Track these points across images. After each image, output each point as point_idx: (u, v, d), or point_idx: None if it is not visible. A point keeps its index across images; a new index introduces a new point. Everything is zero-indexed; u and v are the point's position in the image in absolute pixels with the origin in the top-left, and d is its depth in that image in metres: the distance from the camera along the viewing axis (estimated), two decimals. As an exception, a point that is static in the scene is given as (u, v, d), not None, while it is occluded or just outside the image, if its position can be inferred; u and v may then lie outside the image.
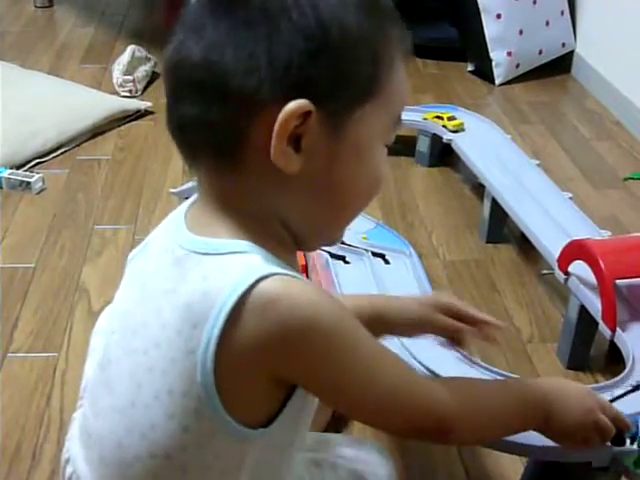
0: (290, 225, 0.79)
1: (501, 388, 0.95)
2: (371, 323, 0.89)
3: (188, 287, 0.74)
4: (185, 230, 0.79)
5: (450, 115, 2.15)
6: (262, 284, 0.71)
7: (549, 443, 1.10)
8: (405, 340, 1.27)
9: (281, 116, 0.71)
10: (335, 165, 0.76)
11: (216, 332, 0.71)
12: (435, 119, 2.15)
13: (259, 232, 0.76)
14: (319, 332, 0.72)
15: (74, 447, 0.88)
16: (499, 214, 1.83)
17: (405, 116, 2.34)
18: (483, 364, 1.26)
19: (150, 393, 0.76)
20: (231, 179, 0.76)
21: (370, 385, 0.77)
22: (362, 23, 0.75)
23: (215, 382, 0.73)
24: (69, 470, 0.88)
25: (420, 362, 1.24)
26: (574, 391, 0.97)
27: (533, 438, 1.11)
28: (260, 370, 0.74)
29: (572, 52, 2.88)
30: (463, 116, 2.19)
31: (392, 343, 1.27)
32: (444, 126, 2.12)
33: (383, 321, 1.09)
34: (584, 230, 1.62)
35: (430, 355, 1.25)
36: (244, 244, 0.75)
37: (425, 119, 2.17)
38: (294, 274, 0.74)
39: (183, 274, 0.75)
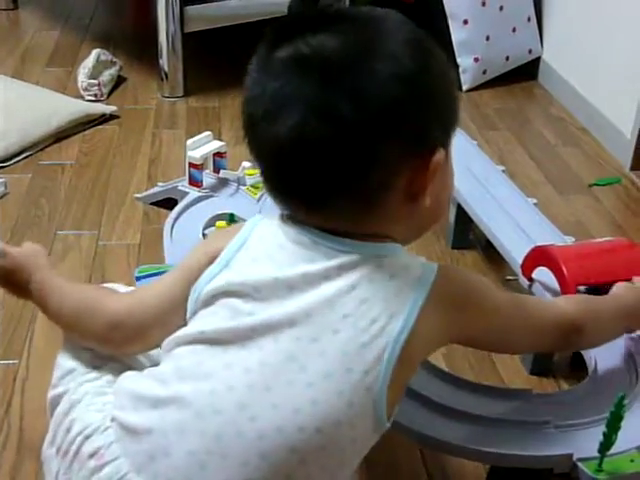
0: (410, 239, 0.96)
1: (616, 309, 1.16)
2: None
3: (375, 285, 0.86)
4: (334, 237, 0.87)
5: None
6: (438, 273, 0.89)
7: (511, 450, 1.10)
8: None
9: (433, 165, 0.85)
10: (444, 190, 0.93)
11: (412, 321, 0.85)
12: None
13: (386, 235, 0.90)
14: (477, 293, 0.94)
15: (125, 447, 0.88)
16: (464, 220, 1.83)
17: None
18: (447, 372, 1.26)
19: (322, 372, 0.83)
20: (363, 217, 0.87)
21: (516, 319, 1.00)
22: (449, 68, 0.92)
23: (394, 365, 0.84)
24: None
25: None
26: None
27: (493, 444, 1.11)
28: (441, 337, 0.92)
29: (539, 58, 2.90)
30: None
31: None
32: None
33: None
34: (548, 236, 1.63)
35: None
36: (399, 246, 0.90)
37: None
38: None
39: (359, 275, 0.86)
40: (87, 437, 0.89)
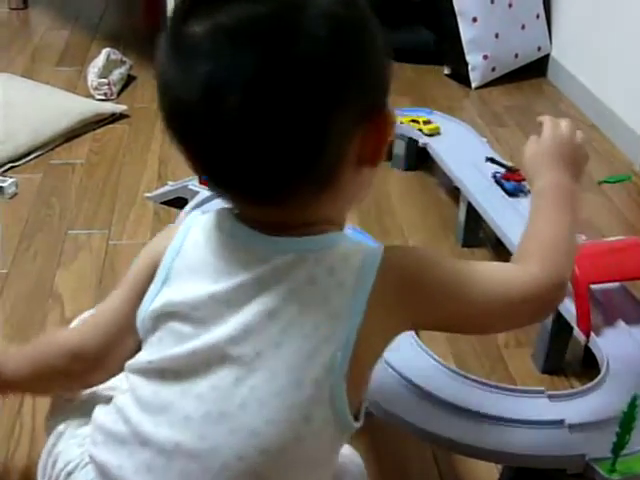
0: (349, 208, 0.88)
1: (550, 220, 0.99)
2: None
3: (315, 286, 0.79)
4: (268, 237, 0.81)
5: (426, 119, 2.15)
6: (383, 257, 0.81)
7: (524, 450, 1.10)
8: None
9: (385, 126, 0.80)
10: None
11: (359, 318, 0.78)
12: (411, 123, 2.15)
13: (334, 222, 0.84)
14: (431, 270, 0.84)
15: (107, 454, 0.85)
16: (475, 218, 1.83)
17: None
18: (460, 371, 1.25)
19: (272, 390, 0.78)
20: (318, 196, 0.80)
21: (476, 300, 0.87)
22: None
23: (349, 367, 0.79)
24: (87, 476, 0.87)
25: (397, 370, 1.23)
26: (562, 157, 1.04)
27: (506, 444, 1.11)
28: (396, 326, 0.84)
29: (548, 56, 2.89)
30: (439, 119, 2.19)
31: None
32: (420, 130, 2.11)
33: None
34: (559, 234, 1.62)
35: (409, 364, 1.25)
36: (338, 233, 0.83)
37: (401, 122, 2.16)
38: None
39: (298, 276, 0.79)
40: (69, 473, 0.89)
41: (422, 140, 2.09)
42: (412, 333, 1.34)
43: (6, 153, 2.19)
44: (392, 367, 1.23)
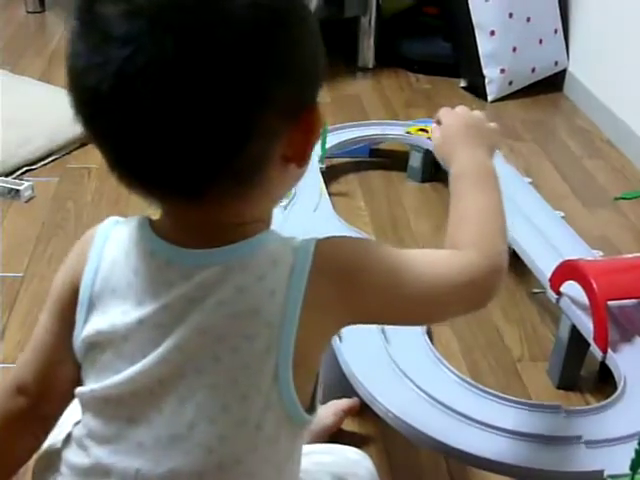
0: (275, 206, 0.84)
1: (475, 201, 0.98)
2: None
3: (245, 295, 0.74)
4: (189, 250, 0.76)
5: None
6: (315, 255, 0.76)
7: (540, 466, 1.10)
8: (399, 361, 1.27)
9: (313, 124, 0.76)
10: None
11: (295, 323, 0.74)
12: (419, 132, 2.15)
13: (257, 224, 0.79)
14: (367, 260, 0.80)
15: None
16: (491, 232, 1.82)
17: (393, 130, 2.36)
18: (476, 384, 1.25)
19: (218, 406, 0.76)
20: (243, 197, 0.76)
21: (418, 290, 0.83)
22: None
23: (293, 370, 0.75)
24: None
25: (414, 383, 1.23)
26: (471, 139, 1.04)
27: (523, 459, 1.11)
28: (335, 323, 0.80)
29: (565, 70, 2.89)
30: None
31: (385, 364, 1.27)
32: (429, 138, 2.11)
33: None
34: (576, 250, 1.62)
35: (425, 376, 1.25)
36: (265, 234, 0.78)
37: (409, 132, 2.17)
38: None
39: (226, 287, 0.75)
40: None
41: (439, 152, 2.08)
42: (429, 345, 1.34)
43: (23, 156, 2.20)
44: (409, 378, 1.23)
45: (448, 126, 1.08)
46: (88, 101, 0.70)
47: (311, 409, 0.81)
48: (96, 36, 0.68)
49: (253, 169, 0.73)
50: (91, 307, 0.80)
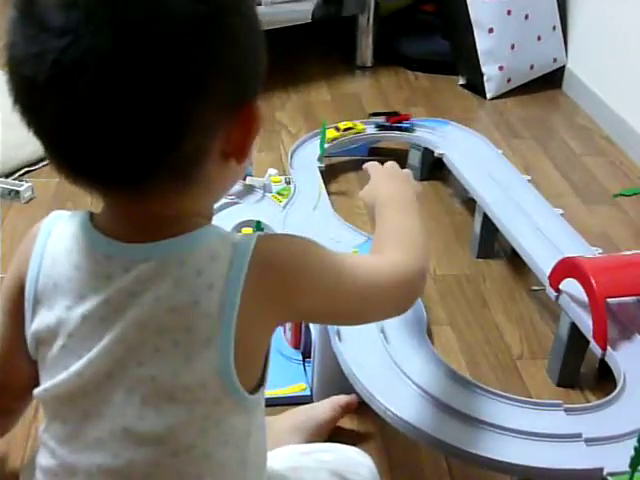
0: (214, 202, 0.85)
1: (397, 220, 1.03)
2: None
3: (183, 289, 0.75)
4: (128, 244, 0.77)
5: (350, 125, 2.21)
6: (254, 250, 0.77)
7: (540, 463, 1.10)
8: (398, 359, 1.27)
9: (253, 120, 0.77)
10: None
11: (233, 317, 0.75)
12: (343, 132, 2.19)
13: (198, 220, 0.79)
14: (304, 259, 0.81)
15: None
16: (490, 229, 1.83)
17: (393, 129, 2.32)
18: (475, 382, 1.25)
19: (163, 397, 0.76)
20: (183, 192, 0.76)
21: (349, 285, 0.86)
22: None
23: (235, 362, 0.76)
24: None
25: (412, 380, 1.23)
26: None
27: (523, 457, 1.11)
28: (274, 316, 0.81)
29: (563, 67, 2.89)
30: (454, 130, 2.20)
31: (384, 362, 1.27)
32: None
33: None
34: (575, 247, 1.62)
35: (425, 375, 1.25)
36: (205, 229, 0.78)
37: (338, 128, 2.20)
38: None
39: (164, 282, 0.75)
40: None
41: (438, 151, 2.09)
42: (428, 343, 1.34)
43: (22, 158, 2.19)
44: (408, 377, 1.24)
45: (375, 177, 1.16)
46: (25, 91, 0.71)
47: (257, 389, 0.81)
48: (34, 26, 0.68)
49: (190, 164, 0.73)
50: (37, 303, 0.80)
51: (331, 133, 2.14)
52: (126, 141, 0.69)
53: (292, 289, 0.80)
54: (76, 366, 0.78)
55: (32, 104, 0.71)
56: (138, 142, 0.69)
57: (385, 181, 1.12)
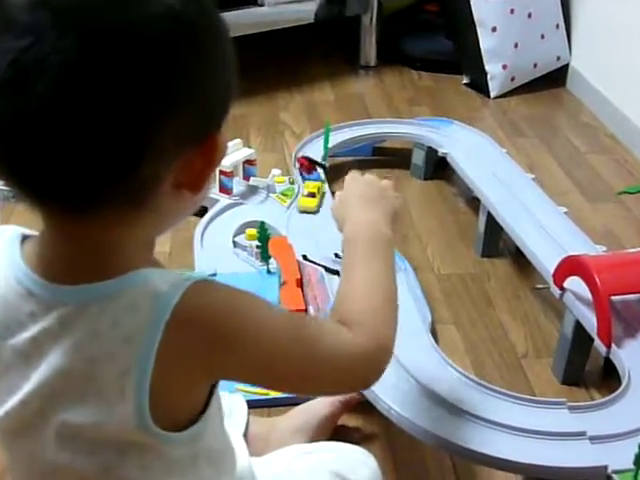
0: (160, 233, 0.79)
1: (364, 272, 0.91)
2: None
3: (100, 340, 0.70)
4: (50, 284, 0.71)
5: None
6: (178, 305, 0.70)
7: (544, 462, 1.10)
8: (402, 358, 1.27)
9: (214, 152, 0.72)
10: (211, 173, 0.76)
11: (148, 374, 0.69)
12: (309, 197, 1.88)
13: (137, 254, 0.74)
14: (239, 322, 0.73)
15: None
16: (494, 228, 1.83)
17: (396, 128, 2.34)
18: (480, 381, 1.25)
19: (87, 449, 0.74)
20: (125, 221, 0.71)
21: (297, 358, 0.78)
22: None
23: (152, 415, 0.71)
24: None
25: (416, 379, 1.23)
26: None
27: (528, 455, 1.11)
28: (196, 379, 0.74)
29: (567, 65, 2.88)
30: (458, 129, 2.19)
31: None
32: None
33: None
34: (579, 245, 1.62)
35: (429, 373, 1.25)
36: (134, 274, 0.71)
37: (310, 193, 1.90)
38: (189, 276, 0.74)
39: (82, 329, 0.70)
40: None
41: (442, 150, 2.09)
42: (432, 342, 1.34)
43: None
44: (412, 376, 1.24)
45: (346, 191, 1.08)
46: None
47: (196, 420, 0.76)
48: None
49: (143, 191, 0.69)
50: None
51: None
52: (76, 157, 0.64)
53: (214, 351, 0.72)
54: (10, 403, 0.75)
55: None
56: (90, 160, 0.65)
57: (358, 202, 1.03)
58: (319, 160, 1.99)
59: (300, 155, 2.01)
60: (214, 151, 0.72)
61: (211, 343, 0.72)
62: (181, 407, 0.75)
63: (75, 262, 0.72)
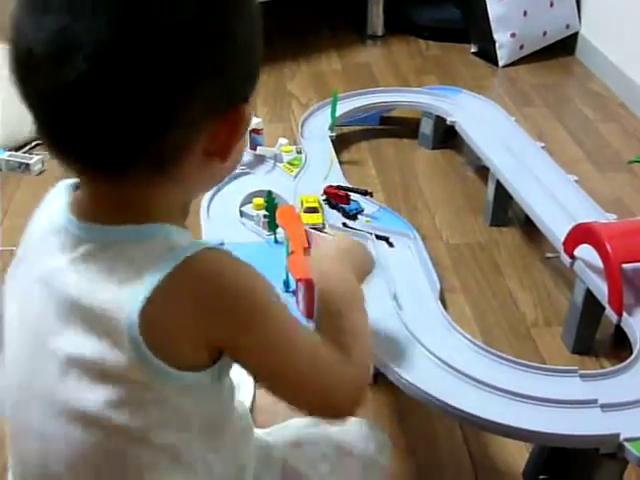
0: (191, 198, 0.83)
1: (349, 320, 0.89)
2: None
3: (115, 275, 0.74)
4: (82, 223, 0.76)
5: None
6: (191, 257, 0.73)
7: (556, 430, 1.09)
8: (412, 327, 1.26)
9: (239, 123, 0.76)
10: (241, 144, 0.80)
11: (137, 309, 0.71)
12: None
13: (167, 214, 0.77)
14: (250, 306, 0.75)
15: None
16: (504, 197, 1.81)
17: (407, 98, 2.32)
18: (490, 349, 1.24)
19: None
20: (158, 182, 0.75)
21: (291, 355, 0.79)
22: None
23: (152, 343, 0.72)
24: None
25: (426, 347, 1.22)
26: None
27: (539, 423, 1.10)
28: (190, 334, 0.74)
29: (576, 34, 2.86)
30: (466, 98, 2.17)
31: (398, 330, 1.26)
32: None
33: None
34: (590, 213, 1.61)
35: (439, 342, 1.24)
36: (160, 226, 0.76)
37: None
38: (214, 245, 0.77)
39: (98, 265, 0.74)
40: None
41: (450, 118, 2.07)
42: (442, 310, 1.33)
43: (33, 130, 2.18)
44: (423, 345, 1.23)
45: (322, 248, 1.07)
46: (23, 64, 0.71)
47: (201, 369, 0.76)
48: (38, 4, 0.70)
49: (170, 158, 0.73)
50: (22, 254, 0.83)
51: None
52: (111, 124, 0.69)
53: (212, 317, 0.74)
54: (29, 317, 0.79)
55: (27, 76, 0.71)
56: (122, 126, 0.70)
57: (331, 250, 1.02)
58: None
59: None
60: (240, 122, 0.76)
61: (211, 309, 0.74)
62: (179, 355, 0.75)
63: (106, 210, 0.76)
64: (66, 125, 0.71)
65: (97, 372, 0.74)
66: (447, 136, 2.18)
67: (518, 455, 1.27)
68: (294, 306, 1.53)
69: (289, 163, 1.84)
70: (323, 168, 1.84)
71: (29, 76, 0.71)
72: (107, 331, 0.73)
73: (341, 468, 0.99)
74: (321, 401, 0.83)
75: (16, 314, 0.81)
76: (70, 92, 0.68)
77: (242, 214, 1.68)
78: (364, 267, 1.03)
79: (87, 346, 0.75)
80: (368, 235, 1.53)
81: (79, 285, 0.75)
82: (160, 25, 0.68)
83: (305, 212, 1.64)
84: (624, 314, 1.34)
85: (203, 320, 0.74)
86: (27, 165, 2.02)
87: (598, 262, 1.39)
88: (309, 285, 1.22)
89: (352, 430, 1.05)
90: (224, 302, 0.74)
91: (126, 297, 0.73)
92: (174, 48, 0.69)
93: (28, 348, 0.80)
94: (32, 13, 0.70)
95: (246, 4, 0.75)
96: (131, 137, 0.70)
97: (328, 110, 2.07)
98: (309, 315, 1.50)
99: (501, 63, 2.76)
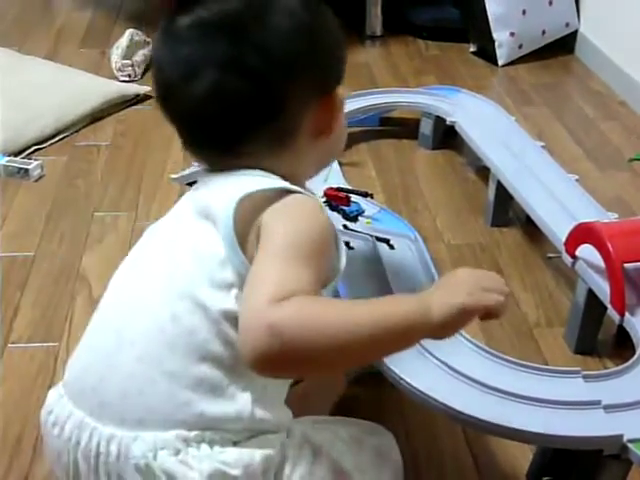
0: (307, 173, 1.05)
1: (377, 316, 0.83)
2: None
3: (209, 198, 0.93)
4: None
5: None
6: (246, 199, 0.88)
7: (559, 431, 1.08)
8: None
9: (334, 104, 0.98)
10: (341, 127, 1.03)
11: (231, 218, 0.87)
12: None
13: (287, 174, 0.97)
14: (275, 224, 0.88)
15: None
16: (504, 197, 1.81)
17: (407, 98, 2.31)
18: (492, 351, 1.24)
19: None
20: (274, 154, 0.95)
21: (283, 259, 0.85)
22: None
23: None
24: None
25: (426, 349, 1.22)
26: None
27: (542, 425, 1.09)
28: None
29: (576, 32, 2.85)
30: (466, 98, 2.17)
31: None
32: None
33: None
34: (591, 213, 1.60)
35: (440, 344, 1.22)
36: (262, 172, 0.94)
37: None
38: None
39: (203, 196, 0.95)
40: (49, 412, 0.93)
41: (450, 119, 2.06)
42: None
43: (31, 135, 2.18)
44: (423, 346, 1.22)
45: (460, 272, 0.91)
46: (163, 86, 0.95)
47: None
48: (171, 39, 0.94)
49: (285, 134, 0.94)
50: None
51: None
52: (237, 119, 0.92)
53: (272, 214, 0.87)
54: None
55: (168, 95, 0.95)
56: (249, 112, 0.91)
57: (454, 278, 0.92)
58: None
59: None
60: (333, 103, 0.98)
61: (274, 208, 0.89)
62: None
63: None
64: (201, 125, 0.93)
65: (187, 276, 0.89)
66: (447, 136, 2.17)
67: (522, 457, 1.26)
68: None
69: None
70: (323, 170, 1.83)
71: (168, 93, 0.94)
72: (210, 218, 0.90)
73: (357, 450, 1.01)
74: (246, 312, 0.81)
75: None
76: (199, 101, 0.91)
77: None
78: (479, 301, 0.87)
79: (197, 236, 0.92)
80: (369, 237, 1.52)
81: (200, 195, 0.96)
82: (264, 40, 0.90)
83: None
84: (626, 314, 1.33)
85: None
86: (26, 170, 2.02)
87: (600, 262, 1.39)
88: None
89: (362, 424, 1.06)
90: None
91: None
92: (288, 49, 0.91)
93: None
94: (167, 45, 0.94)
95: (331, 24, 1.01)
96: (253, 124, 0.92)
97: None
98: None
99: (500, 62, 2.76)
